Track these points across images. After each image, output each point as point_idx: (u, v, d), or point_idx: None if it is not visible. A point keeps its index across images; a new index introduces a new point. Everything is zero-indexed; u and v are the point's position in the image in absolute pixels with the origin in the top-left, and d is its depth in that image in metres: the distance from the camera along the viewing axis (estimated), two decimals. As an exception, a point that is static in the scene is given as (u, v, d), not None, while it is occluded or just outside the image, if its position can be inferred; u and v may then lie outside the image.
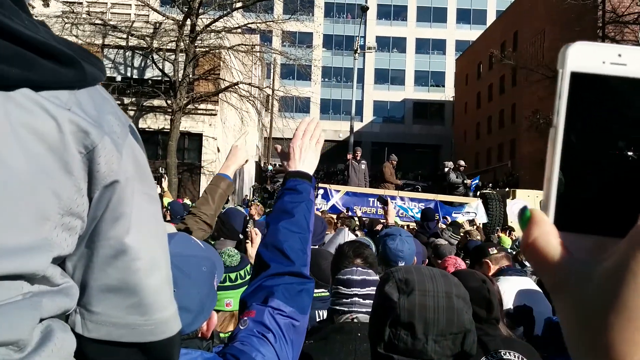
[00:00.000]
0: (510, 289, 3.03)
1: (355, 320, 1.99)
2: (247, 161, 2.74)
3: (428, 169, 39.38)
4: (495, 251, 3.49)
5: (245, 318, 1.26)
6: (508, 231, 10.65)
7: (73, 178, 0.69)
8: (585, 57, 0.38)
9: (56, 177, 0.68)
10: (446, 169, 13.73)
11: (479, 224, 11.72)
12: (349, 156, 13.94)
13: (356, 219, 10.45)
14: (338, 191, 12.87)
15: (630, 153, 0.37)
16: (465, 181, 13.42)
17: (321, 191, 12.65)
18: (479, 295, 2.22)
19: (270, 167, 33.55)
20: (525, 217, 0.39)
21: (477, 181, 13.77)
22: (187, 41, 18.13)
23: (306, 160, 1.59)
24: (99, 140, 0.70)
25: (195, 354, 1.18)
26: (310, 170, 1.59)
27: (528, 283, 3.15)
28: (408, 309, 1.49)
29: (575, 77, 0.38)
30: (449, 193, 13.00)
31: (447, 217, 10.94)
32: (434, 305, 1.49)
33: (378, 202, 10.53)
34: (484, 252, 3.57)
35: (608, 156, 0.37)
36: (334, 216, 8.96)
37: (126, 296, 0.76)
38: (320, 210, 10.51)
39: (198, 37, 18.54)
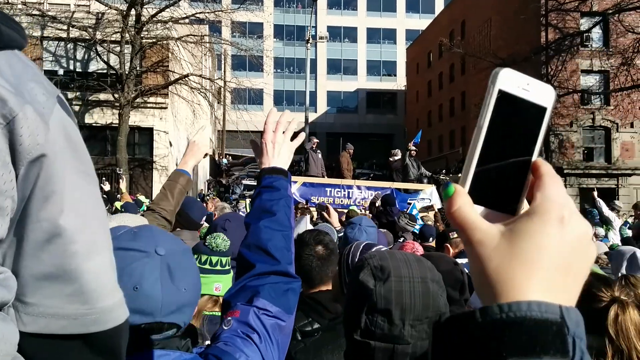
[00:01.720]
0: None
1: None
2: (206, 155, 2.68)
3: (382, 157, 39.88)
4: (455, 235, 3.54)
5: (229, 318, 1.23)
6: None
7: None
8: (508, 80, 0.51)
9: None
10: (396, 158, 13.88)
11: (436, 210, 11.95)
12: (307, 147, 13.89)
13: (313, 209, 10.42)
14: (295, 182, 12.82)
15: (520, 155, 0.51)
16: (421, 171, 13.63)
17: (277, 183, 12.56)
18: (453, 278, 2.25)
19: (225, 161, 33.11)
20: (449, 190, 0.50)
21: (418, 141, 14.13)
22: (133, 32, 17.55)
23: (280, 155, 1.55)
24: (19, 109, 0.62)
25: (174, 355, 1.12)
26: (285, 166, 1.56)
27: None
28: (384, 296, 1.47)
29: (500, 92, 0.51)
30: (403, 180, 13.18)
31: (412, 201, 11.17)
32: (410, 291, 1.48)
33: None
34: (446, 237, 3.62)
35: (508, 154, 0.51)
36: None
37: (64, 283, 0.68)
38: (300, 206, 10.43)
39: (144, 28, 18.00)
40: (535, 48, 24.75)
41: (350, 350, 1.51)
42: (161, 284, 1.11)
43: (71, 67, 19.62)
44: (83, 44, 19.08)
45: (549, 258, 0.46)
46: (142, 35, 18.03)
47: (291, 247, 1.44)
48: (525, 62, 23.52)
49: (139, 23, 17.88)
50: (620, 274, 4.20)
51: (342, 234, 4.03)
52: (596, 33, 26.04)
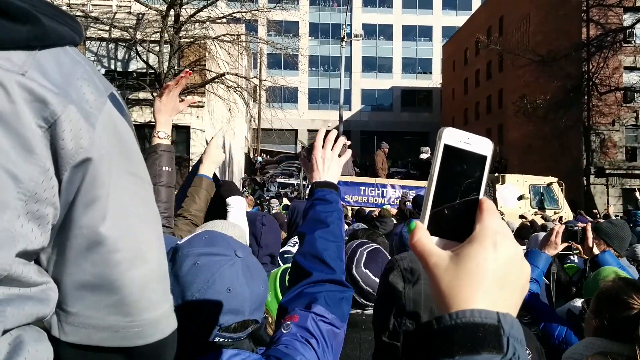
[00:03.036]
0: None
1: (359, 313, 1.97)
2: (224, 157, 2.68)
3: (417, 156, 39.45)
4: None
5: (289, 322, 1.27)
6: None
7: (35, 157, 0.59)
8: (451, 136, 0.63)
9: (11, 157, 0.58)
10: (425, 156, 13.71)
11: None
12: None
13: (348, 208, 10.45)
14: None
15: (467, 195, 0.63)
16: None
17: (311, 181, 12.61)
18: None
19: (259, 159, 33.40)
20: (411, 225, 0.61)
21: None
22: (171, 32, 17.90)
23: (329, 170, 1.61)
24: (62, 110, 0.60)
25: (243, 355, 1.18)
26: (335, 180, 1.61)
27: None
28: (413, 299, 1.47)
29: (445, 147, 0.62)
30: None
31: None
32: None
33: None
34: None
35: (455, 194, 0.62)
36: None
37: (105, 294, 0.66)
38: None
39: (182, 28, 18.32)
40: (575, 44, 24.03)
41: (379, 352, 1.54)
42: (247, 284, 1.20)
43: (112, 67, 20.17)
44: (124, 44, 19.56)
45: (486, 275, 0.55)
46: (180, 35, 18.36)
47: (344, 258, 1.49)
48: (566, 59, 22.89)
49: (177, 23, 18.22)
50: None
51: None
52: (640, 28, 25.15)
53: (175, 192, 2.44)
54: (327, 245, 1.44)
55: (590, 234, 2.90)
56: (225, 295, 1.16)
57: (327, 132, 1.67)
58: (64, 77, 0.63)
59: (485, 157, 0.64)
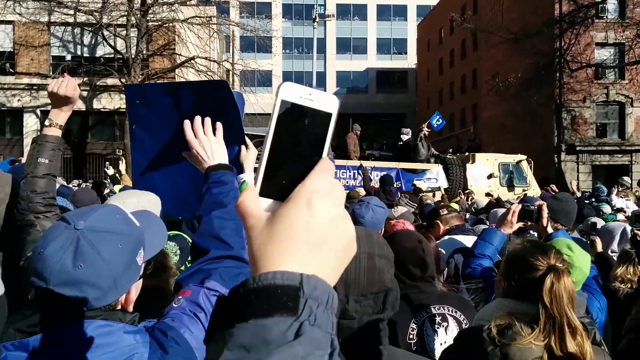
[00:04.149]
0: (451, 246, 3.07)
1: None
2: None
3: (393, 138, 39.59)
4: (445, 212, 3.52)
5: (180, 297, 1.28)
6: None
7: None
8: (291, 91, 0.59)
9: None
10: (406, 137, 13.73)
11: (442, 190, 11.90)
12: None
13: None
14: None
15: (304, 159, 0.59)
16: (431, 151, 13.48)
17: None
18: (414, 255, 2.24)
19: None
20: (242, 186, 0.60)
21: (440, 121, 13.86)
22: (138, 15, 17.51)
23: (214, 153, 1.62)
24: None
25: (115, 326, 1.17)
26: (226, 160, 1.64)
27: (472, 241, 3.19)
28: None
29: (283, 102, 0.59)
30: (413, 161, 13.08)
31: (418, 181, 11.15)
32: (356, 266, 1.48)
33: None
34: (437, 214, 3.61)
35: (299, 153, 0.59)
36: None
37: None
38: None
39: (149, 11, 17.94)
40: (548, 20, 24.18)
41: (297, 328, 1.52)
42: (61, 254, 1.15)
43: (78, 53, 19.68)
44: (89, 29, 19.08)
45: (297, 235, 0.53)
46: (147, 18, 17.98)
47: (243, 234, 1.47)
48: (538, 36, 23.05)
49: (144, 6, 17.81)
50: (610, 250, 4.19)
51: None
52: (612, 4, 25.38)
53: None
54: (223, 223, 1.45)
55: (545, 214, 2.93)
56: (36, 255, 1.16)
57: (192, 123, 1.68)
58: None
59: (330, 115, 0.60)
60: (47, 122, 2.23)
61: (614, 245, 4.06)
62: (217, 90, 2.43)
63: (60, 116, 2.25)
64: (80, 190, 4.83)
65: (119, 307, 1.28)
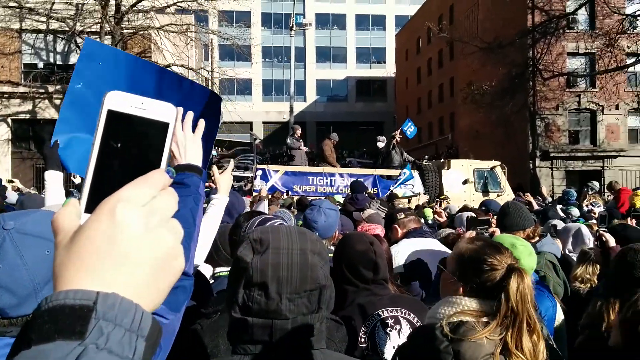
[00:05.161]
0: (409, 249, 3.05)
1: None
2: None
3: (372, 145, 39.76)
4: (403, 216, 3.51)
5: None
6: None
7: None
8: (118, 101, 0.55)
9: None
10: (382, 144, 13.82)
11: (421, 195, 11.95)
12: (296, 135, 13.84)
13: (293, 198, 10.40)
14: (277, 171, 12.78)
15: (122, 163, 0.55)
16: (404, 157, 13.56)
17: (260, 172, 12.55)
18: (366, 258, 2.22)
19: (214, 152, 32.95)
20: (65, 202, 0.55)
21: (411, 128, 13.92)
22: (113, 23, 17.33)
23: (187, 152, 1.52)
24: None
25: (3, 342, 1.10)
26: (197, 161, 1.53)
27: (430, 243, 3.18)
28: (261, 269, 1.43)
29: (110, 112, 0.55)
30: (387, 167, 13.14)
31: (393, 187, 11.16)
32: (288, 262, 1.44)
33: None
34: (393, 218, 3.60)
35: (128, 165, 0.55)
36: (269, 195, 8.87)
37: None
38: (259, 190, 10.42)
39: (124, 18, 17.76)
40: (521, 31, 24.62)
41: (231, 329, 1.47)
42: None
43: (51, 60, 19.38)
44: (62, 36, 18.82)
45: (97, 249, 0.48)
46: (122, 26, 17.80)
47: (191, 246, 1.40)
48: (511, 46, 23.44)
49: (119, 13, 17.65)
50: (567, 250, 4.24)
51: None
52: (582, 15, 25.93)
53: None
54: None
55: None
56: None
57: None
58: None
59: (166, 125, 0.57)
60: None
61: (569, 245, 4.11)
62: (212, 100, 2.33)
63: None
64: (27, 197, 4.74)
65: None
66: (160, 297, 0.52)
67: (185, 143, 1.53)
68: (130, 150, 0.56)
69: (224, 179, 2.26)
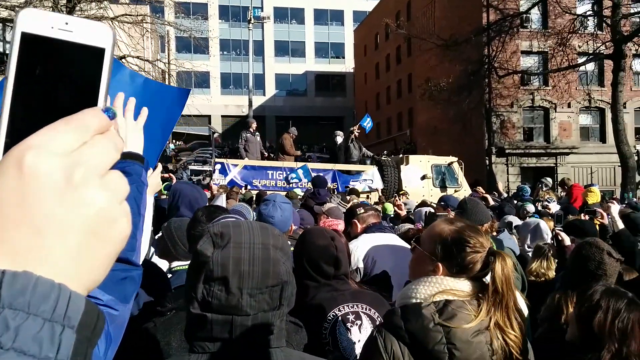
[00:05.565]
0: (368, 244, 3.05)
1: None
2: None
3: (332, 140, 39.83)
4: (362, 211, 3.51)
5: None
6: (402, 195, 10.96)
7: None
8: (35, 20, 0.44)
9: None
10: (340, 139, 13.87)
11: (379, 191, 12.06)
12: (251, 129, 13.67)
13: (252, 192, 10.30)
14: (236, 165, 12.61)
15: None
16: (363, 152, 13.65)
17: (218, 166, 12.36)
18: (327, 253, 2.19)
19: (171, 146, 32.34)
20: None
21: (370, 123, 14.09)
22: (64, 12, 16.66)
23: (129, 139, 1.45)
24: None
25: None
26: (139, 149, 1.47)
27: (390, 238, 3.19)
28: (221, 263, 1.38)
29: (26, 36, 0.43)
30: (346, 162, 13.19)
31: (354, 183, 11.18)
32: (249, 257, 1.40)
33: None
34: (354, 212, 3.59)
35: (54, 105, 0.45)
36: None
37: None
38: (219, 185, 10.26)
39: (77, 7, 17.12)
40: (476, 29, 25.12)
41: (189, 326, 1.41)
42: None
43: (0, 49, 18.53)
44: (12, 25, 18.00)
45: (5, 211, 0.38)
46: (75, 15, 17.15)
47: (137, 235, 1.35)
48: (467, 44, 23.88)
49: (71, 2, 17.00)
50: (526, 245, 4.35)
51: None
52: (535, 14, 26.67)
53: None
54: None
55: None
56: None
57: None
58: None
59: (101, 50, 0.45)
60: None
61: (528, 241, 4.21)
62: (178, 94, 2.24)
63: None
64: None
65: None
66: (98, 274, 0.40)
67: (126, 129, 1.46)
68: (56, 86, 0.45)
69: (150, 182, 2.20)
